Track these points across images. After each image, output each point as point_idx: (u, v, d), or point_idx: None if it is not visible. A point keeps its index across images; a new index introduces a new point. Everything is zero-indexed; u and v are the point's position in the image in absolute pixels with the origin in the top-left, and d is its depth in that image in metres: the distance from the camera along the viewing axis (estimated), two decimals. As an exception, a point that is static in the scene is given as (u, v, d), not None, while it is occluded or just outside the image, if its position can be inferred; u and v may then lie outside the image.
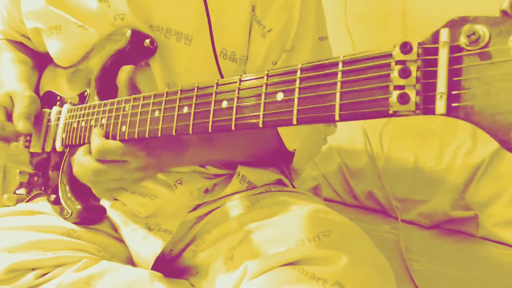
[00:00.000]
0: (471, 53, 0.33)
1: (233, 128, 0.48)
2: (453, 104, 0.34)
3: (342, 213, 0.68)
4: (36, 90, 0.90)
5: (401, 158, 1.27)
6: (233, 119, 0.48)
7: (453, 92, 0.34)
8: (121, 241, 0.76)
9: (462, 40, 0.33)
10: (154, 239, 0.73)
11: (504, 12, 0.32)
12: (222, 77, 0.72)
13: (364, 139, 1.33)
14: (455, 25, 0.34)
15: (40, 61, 0.93)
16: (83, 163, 0.63)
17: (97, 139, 0.61)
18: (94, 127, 0.67)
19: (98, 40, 0.76)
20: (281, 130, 0.74)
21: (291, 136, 0.75)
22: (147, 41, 0.70)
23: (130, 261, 0.75)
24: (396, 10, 1.32)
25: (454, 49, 0.34)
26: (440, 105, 0.34)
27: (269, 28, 0.71)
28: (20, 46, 0.96)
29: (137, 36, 0.71)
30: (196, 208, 0.76)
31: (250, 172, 0.76)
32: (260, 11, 0.71)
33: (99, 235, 0.75)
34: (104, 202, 0.78)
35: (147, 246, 0.73)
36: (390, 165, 1.28)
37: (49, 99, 0.86)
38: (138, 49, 0.71)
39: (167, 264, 0.77)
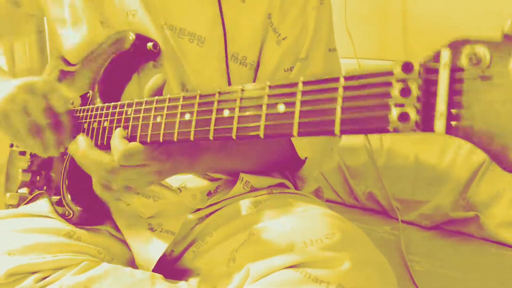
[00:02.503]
0: (472, 75, 0.33)
1: (234, 137, 0.48)
2: (452, 124, 0.34)
3: (342, 214, 0.68)
4: None
5: (402, 159, 1.27)
6: (234, 129, 0.48)
7: (453, 112, 0.34)
8: (123, 241, 0.76)
9: (463, 61, 0.34)
10: (157, 240, 0.73)
11: (506, 36, 0.32)
12: (229, 80, 0.73)
13: (364, 139, 1.33)
14: (456, 46, 0.34)
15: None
16: (95, 158, 0.62)
17: (120, 143, 0.59)
18: (97, 129, 0.67)
19: (102, 41, 0.76)
20: (294, 139, 0.75)
21: (304, 145, 0.76)
22: (150, 44, 0.71)
23: (131, 262, 0.74)
24: (396, 10, 1.32)
25: (455, 69, 0.34)
26: (439, 124, 0.35)
27: (284, 36, 0.73)
28: None
29: (140, 39, 0.72)
30: (198, 209, 0.76)
31: (253, 178, 0.76)
32: (277, 19, 0.72)
33: (100, 236, 0.74)
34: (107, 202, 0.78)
35: (149, 247, 0.73)
36: (390, 166, 1.28)
37: None
38: (142, 52, 0.72)
39: (167, 266, 0.77)
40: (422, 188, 1.21)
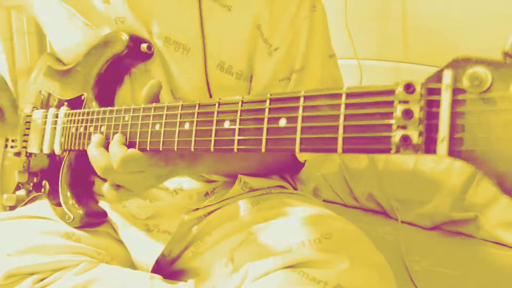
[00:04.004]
0: (474, 97, 0.33)
1: (235, 150, 0.48)
2: (455, 148, 0.34)
3: (342, 214, 0.68)
4: None
5: (401, 159, 1.27)
6: (236, 141, 0.48)
7: (455, 136, 0.34)
8: (122, 242, 0.76)
9: (465, 83, 0.34)
10: (154, 241, 0.73)
11: (506, 54, 0.32)
12: (209, 89, 0.72)
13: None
14: (458, 66, 0.34)
15: None
16: (95, 156, 0.62)
17: (119, 149, 0.59)
18: (94, 134, 0.67)
19: (94, 42, 0.76)
20: None
21: None
22: (144, 45, 0.70)
23: (130, 263, 0.74)
24: (396, 10, 1.32)
25: (457, 91, 0.34)
26: (442, 148, 0.35)
27: (276, 47, 0.72)
28: None
29: (134, 40, 0.71)
30: (196, 209, 0.76)
31: (252, 179, 0.76)
32: (267, 30, 0.71)
33: (99, 237, 0.75)
34: (104, 204, 0.78)
35: (146, 247, 0.73)
36: (390, 166, 1.28)
37: (44, 98, 0.85)
38: (135, 53, 0.71)
39: (166, 266, 0.77)
40: (422, 189, 1.21)
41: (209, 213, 0.75)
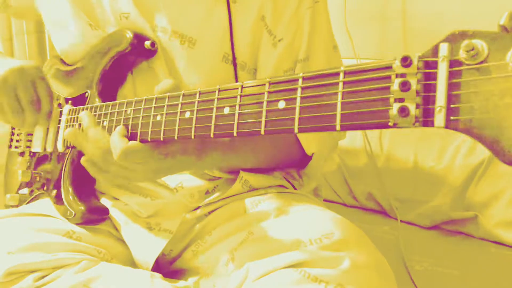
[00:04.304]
0: (470, 68, 0.34)
1: (235, 134, 0.48)
2: (452, 118, 0.34)
3: (342, 213, 0.68)
4: None
5: (401, 159, 1.27)
6: (235, 126, 0.48)
7: (452, 106, 0.34)
8: (122, 241, 0.76)
9: (462, 55, 0.34)
10: (155, 239, 0.73)
11: (503, 27, 0.33)
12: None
13: (363, 139, 1.33)
14: (454, 39, 0.35)
15: None
16: (92, 135, 0.63)
17: (120, 140, 0.60)
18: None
19: (98, 41, 0.76)
20: (300, 135, 0.75)
21: (311, 140, 0.75)
22: (148, 43, 0.71)
23: (131, 262, 0.74)
24: (396, 10, 1.32)
25: (454, 63, 0.35)
26: (439, 118, 0.35)
27: (280, 38, 0.72)
28: None
29: (138, 38, 0.71)
30: (196, 208, 0.76)
31: (253, 177, 0.76)
32: (271, 21, 0.71)
33: (99, 235, 0.75)
34: (105, 202, 0.78)
35: (147, 246, 0.73)
36: (390, 166, 1.28)
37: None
38: (139, 50, 0.71)
39: (166, 265, 0.77)
40: (422, 188, 1.21)
41: (210, 213, 0.75)
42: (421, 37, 1.28)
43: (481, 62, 0.33)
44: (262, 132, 0.46)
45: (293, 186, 0.81)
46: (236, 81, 0.73)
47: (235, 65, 0.72)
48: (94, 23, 0.76)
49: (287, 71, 0.73)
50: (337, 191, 1.36)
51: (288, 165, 0.81)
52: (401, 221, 1.19)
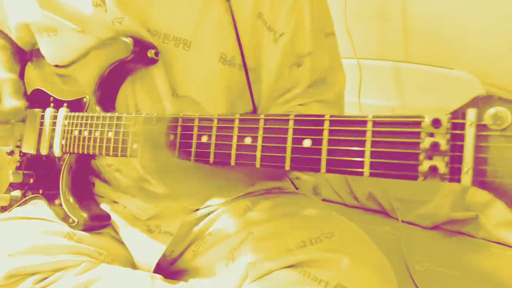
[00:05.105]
0: (496, 134, 0.37)
1: (258, 166, 0.49)
2: (478, 178, 0.38)
3: (342, 214, 0.68)
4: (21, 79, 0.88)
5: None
6: (258, 158, 0.49)
7: (479, 168, 0.37)
8: (123, 243, 0.76)
9: (487, 121, 0.37)
10: (155, 242, 0.73)
11: None
12: (251, 92, 0.73)
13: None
14: (481, 104, 0.38)
15: (21, 49, 0.91)
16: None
17: None
18: (99, 139, 0.67)
19: (96, 44, 0.75)
20: None
21: None
22: (152, 51, 0.69)
23: (131, 264, 0.74)
24: (396, 10, 1.32)
25: (480, 127, 0.38)
26: (466, 178, 0.38)
27: (280, 33, 0.70)
28: None
29: (140, 45, 0.70)
30: (196, 210, 0.76)
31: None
32: (269, 17, 0.70)
33: (100, 237, 0.75)
34: (104, 206, 0.78)
35: (148, 248, 0.73)
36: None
37: (40, 98, 0.84)
38: (141, 58, 0.70)
39: (167, 266, 0.77)
40: (422, 189, 1.21)
41: (210, 213, 0.75)
42: (421, 37, 1.28)
43: (505, 129, 0.36)
44: (287, 168, 0.47)
45: (294, 186, 0.81)
46: (248, 82, 0.72)
47: (245, 65, 0.71)
48: (84, 28, 0.74)
49: (292, 65, 0.71)
50: (338, 191, 1.36)
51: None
52: (402, 221, 1.19)
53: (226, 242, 0.69)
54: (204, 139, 0.54)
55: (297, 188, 0.80)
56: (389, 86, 1.34)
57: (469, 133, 0.38)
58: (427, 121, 0.40)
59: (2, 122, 0.80)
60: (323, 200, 0.88)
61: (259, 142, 0.49)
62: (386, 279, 0.58)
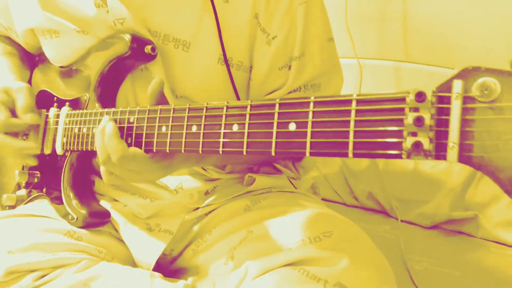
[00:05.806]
0: (483, 106, 0.35)
1: (244, 153, 0.49)
2: (464, 154, 0.35)
3: (342, 213, 0.68)
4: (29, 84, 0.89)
5: (401, 159, 1.27)
6: (245, 144, 0.48)
7: (465, 142, 0.35)
8: (123, 241, 0.76)
9: (475, 92, 0.35)
10: (155, 240, 0.73)
11: None
12: (233, 84, 0.72)
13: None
14: (468, 75, 0.35)
15: (28, 54, 0.92)
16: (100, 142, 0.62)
17: (117, 142, 0.59)
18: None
19: (96, 43, 0.75)
20: None
21: None
22: (149, 47, 0.69)
23: (131, 262, 0.75)
24: (396, 10, 1.32)
25: (467, 99, 0.35)
26: (452, 154, 0.36)
27: (273, 35, 0.71)
28: (5, 38, 0.94)
29: (138, 41, 0.70)
30: (196, 209, 0.76)
31: (258, 178, 0.76)
32: (264, 19, 0.70)
33: (100, 235, 0.75)
34: (104, 204, 0.78)
35: (148, 247, 0.73)
36: (390, 166, 1.28)
37: (45, 99, 0.85)
38: (138, 54, 0.70)
39: (166, 265, 0.77)
40: (422, 188, 1.21)
41: (210, 212, 0.75)
42: (421, 37, 1.28)
43: (493, 101, 0.34)
44: (273, 153, 0.46)
45: (293, 185, 0.81)
46: (232, 81, 0.72)
47: (227, 65, 0.71)
48: (85, 29, 0.75)
49: (282, 68, 0.72)
50: (337, 191, 1.36)
51: (285, 157, 0.81)
52: (401, 220, 1.19)
53: (226, 241, 0.69)
54: (194, 128, 0.54)
55: (296, 188, 0.80)
56: (389, 86, 1.34)
57: (455, 106, 0.36)
58: (411, 96, 0.37)
59: (13, 133, 0.80)
60: (322, 199, 0.88)
61: (246, 129, 0.48)
62: (385, 278, 0.59)
